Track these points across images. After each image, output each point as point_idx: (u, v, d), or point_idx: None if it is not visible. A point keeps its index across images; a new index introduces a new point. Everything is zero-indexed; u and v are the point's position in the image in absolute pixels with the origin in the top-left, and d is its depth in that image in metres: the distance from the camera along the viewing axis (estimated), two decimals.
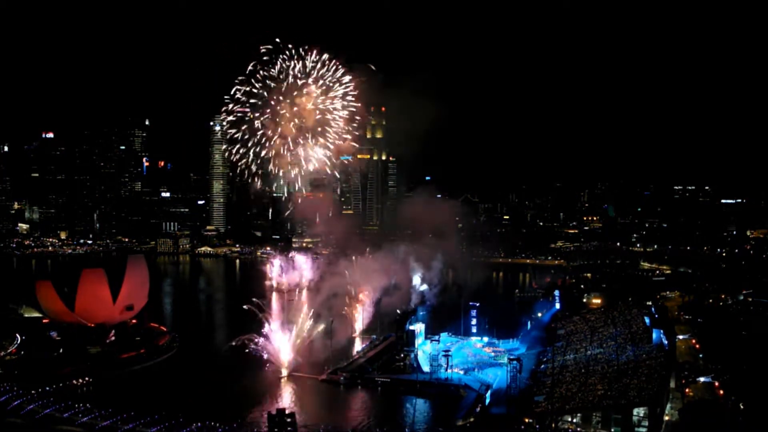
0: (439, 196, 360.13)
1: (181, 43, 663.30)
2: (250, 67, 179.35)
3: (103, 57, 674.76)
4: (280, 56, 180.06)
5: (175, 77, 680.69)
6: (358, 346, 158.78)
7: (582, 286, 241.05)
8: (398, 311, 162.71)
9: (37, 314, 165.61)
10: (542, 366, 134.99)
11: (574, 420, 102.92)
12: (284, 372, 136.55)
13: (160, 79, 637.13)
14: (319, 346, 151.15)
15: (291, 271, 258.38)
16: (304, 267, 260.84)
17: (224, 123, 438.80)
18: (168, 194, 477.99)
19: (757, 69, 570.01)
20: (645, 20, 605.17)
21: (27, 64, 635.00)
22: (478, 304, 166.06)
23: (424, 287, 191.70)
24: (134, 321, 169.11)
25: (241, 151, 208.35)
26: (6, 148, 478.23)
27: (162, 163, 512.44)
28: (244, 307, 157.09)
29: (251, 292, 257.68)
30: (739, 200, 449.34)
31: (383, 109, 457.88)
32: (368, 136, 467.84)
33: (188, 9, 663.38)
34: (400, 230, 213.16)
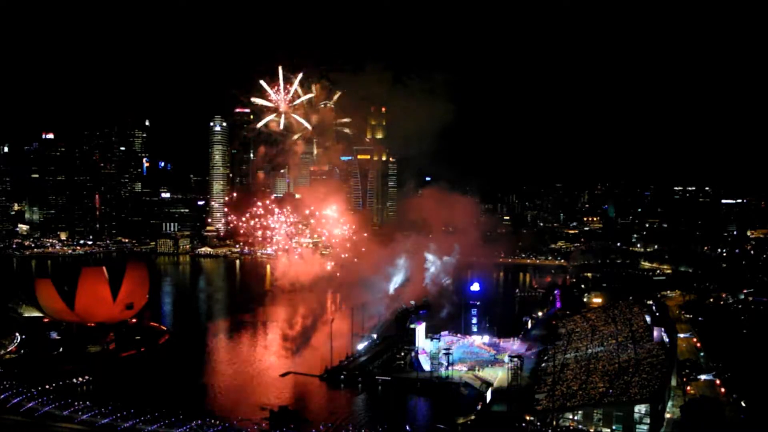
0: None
1: (181, 43, 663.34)
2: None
3: (103, 57, 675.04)
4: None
5: (175, 77, 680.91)
6: (359, 344, 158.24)
7: (582, 286, 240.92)
8: (398, 310, 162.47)
9: (37, 313, 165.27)
10: (543, 364, 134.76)
11: (576, 417, 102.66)
12: (284, 370, 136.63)
13: (160, 79, 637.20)
14: (319, 345, 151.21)
15: (293, 270, 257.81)
16: (306, 265, 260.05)
17: (224, 124, 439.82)
18: (168, 195, 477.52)
19: (757, 69, 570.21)
20: (645, 20, 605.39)
21: (27, 64, 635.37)
22: (478, 303, 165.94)
23: (446, 280, 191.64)
24: (134, 320, 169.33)
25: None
26: (6, 149, 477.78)
27: (162, 164, 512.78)
28: None
29: (251, 292, 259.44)
30: (740, 200, 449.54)
31: (383, 109, 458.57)
32: (368, 136, 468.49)
33: (188, 9, 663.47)
34: (406, 228, 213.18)
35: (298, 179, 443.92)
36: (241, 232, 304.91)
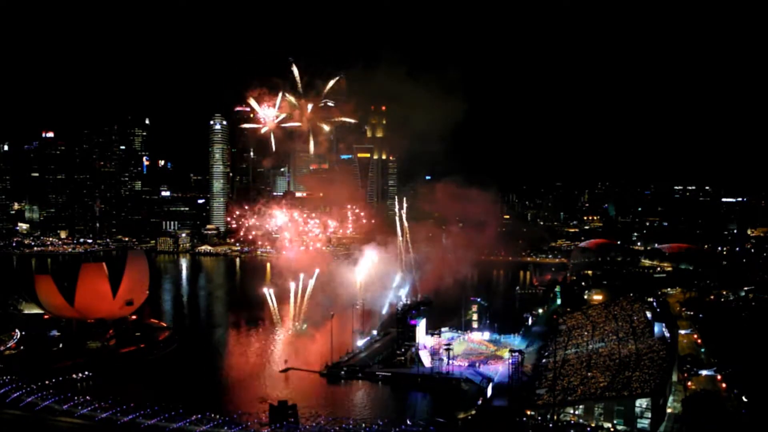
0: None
1: (181, 42, 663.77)
2: None
3: (103, 56, 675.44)
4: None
5: (175, 76, 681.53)
6: (359, 340, 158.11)
7: (583, 283, 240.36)
8: (399, 306, 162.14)
9: (37, 310, 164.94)
10: (543, 360, 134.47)
11: (576, 412, 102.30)
12: (284, 366, 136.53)
13: (160, 79, 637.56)
14: (319, 341, 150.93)
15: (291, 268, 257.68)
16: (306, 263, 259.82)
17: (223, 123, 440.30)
18: (168, 193, 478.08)
19: (757, 69, 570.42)
20: (645, 20, 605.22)
21: (27, 64, 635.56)
22: (479, 300, 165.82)
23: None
24: (134, 316, 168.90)
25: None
26: (6, 148, 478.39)
27: (162, 162, 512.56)
28: None
29: (251, 290, 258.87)
30: (740, 199, 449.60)
31: (383, 108, 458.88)
32: (369, 135, 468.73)
33: (188, 8, 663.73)
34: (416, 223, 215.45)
35: (298, 177, 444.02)
36: (254, 233, 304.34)
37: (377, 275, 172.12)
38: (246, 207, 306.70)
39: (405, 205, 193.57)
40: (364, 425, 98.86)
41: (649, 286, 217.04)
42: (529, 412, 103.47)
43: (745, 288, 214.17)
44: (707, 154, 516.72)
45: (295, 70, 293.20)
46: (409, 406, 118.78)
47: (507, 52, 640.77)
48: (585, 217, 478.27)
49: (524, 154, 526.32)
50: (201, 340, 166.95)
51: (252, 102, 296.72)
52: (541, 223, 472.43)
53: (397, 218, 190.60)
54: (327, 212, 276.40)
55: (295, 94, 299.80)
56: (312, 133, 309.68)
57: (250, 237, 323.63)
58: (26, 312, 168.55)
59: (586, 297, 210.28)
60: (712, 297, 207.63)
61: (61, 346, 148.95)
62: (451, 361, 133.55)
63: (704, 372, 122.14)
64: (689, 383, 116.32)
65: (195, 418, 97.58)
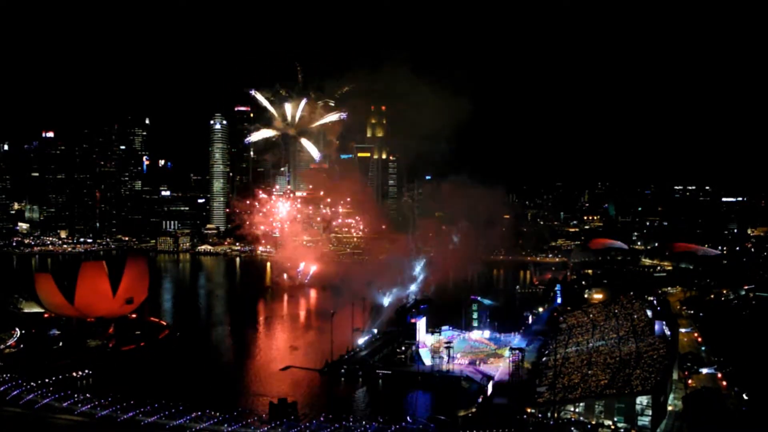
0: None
1: (181, 42, 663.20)
2: None
3: (103, 56, 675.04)
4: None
5: (175, 75, 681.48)
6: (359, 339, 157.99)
7: (583, 282, 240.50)
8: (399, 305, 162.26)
9: (37, 309, 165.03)
10: (544, 358, 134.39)
11: (577, 410, 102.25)
12: (284, 364, 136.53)
13: (160, 79, 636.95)
14: (320, 339, 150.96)
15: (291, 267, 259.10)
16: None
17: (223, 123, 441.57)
18: (168, 193, 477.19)
19: (757, 69, 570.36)
20: (645, 20, 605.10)
21: (27, 64, 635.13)
22: (479, 298, 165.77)
23: None
24: (134, 315, 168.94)
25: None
26: (6, 147, 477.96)
27: (162, 162, 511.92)
28: None
29: (251, 289, 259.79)
30: (740, 199, 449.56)
31: (384, 108, 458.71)
32: (369, 135, 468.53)
33: (188, 8, 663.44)
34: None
35: (299, 175, 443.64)
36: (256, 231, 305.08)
37: (386, 273, 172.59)
38: (247, 205, 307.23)
39: (413, 203, 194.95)
40: (364, 423, 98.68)
41: (650, 285, 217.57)
42: (529, 410, 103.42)
43: (745, 287, 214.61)
44: (707, 154, 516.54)
45: (299, 71, 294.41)
46: (410, 405, 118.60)
47: (507, 52, 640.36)
48: (585, 217, 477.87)
49: (524, 154, 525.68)
50: (201, 338, 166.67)
51: (263, 100, 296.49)
52: (542, 222, 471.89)
53: (408, 216, 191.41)
54: (329, 211, 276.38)
55: (299, 95, 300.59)
56: (321, 133, 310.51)
57: (256, 234, 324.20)
58: (26, 310, 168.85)
59: (586, 296, 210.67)
60: (712, 296, 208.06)
61: (61, 344, 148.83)
62: (451, 360, 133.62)
63: (705, 370, 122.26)
64: (690, 381, 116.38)
65: (195, 415, 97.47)
